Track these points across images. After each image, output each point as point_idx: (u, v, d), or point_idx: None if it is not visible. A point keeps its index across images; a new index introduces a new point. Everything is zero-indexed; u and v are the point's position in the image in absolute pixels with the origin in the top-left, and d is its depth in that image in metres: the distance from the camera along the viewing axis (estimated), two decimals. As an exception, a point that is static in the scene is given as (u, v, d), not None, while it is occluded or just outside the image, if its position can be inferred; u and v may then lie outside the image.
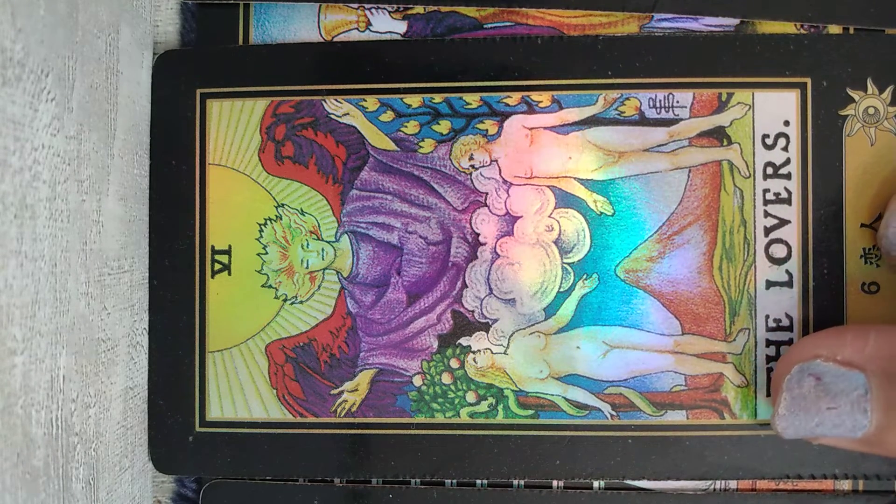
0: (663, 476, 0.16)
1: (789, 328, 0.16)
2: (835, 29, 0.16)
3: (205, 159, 0.17)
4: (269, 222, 0.17)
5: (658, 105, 0.16)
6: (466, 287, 0.16)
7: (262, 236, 0.17)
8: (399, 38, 0.17)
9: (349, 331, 0.16)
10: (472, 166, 0.16)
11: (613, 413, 0.16)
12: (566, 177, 0.16)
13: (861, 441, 0.13)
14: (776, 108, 0.16)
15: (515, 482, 0.17)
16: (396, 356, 0.16)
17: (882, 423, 0.13)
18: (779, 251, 0.16)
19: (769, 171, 0.16)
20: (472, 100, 0.16)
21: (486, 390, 0.16)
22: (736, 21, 0.16)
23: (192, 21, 0.17)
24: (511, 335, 0.16)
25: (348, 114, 0.16)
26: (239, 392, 0.17)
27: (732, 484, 0.16)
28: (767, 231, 0.16)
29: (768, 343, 0.16)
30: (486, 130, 0.16)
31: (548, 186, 0.16)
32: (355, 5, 0.17)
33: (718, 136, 0.16)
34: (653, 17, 0.16)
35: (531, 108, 0.16)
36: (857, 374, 0.13)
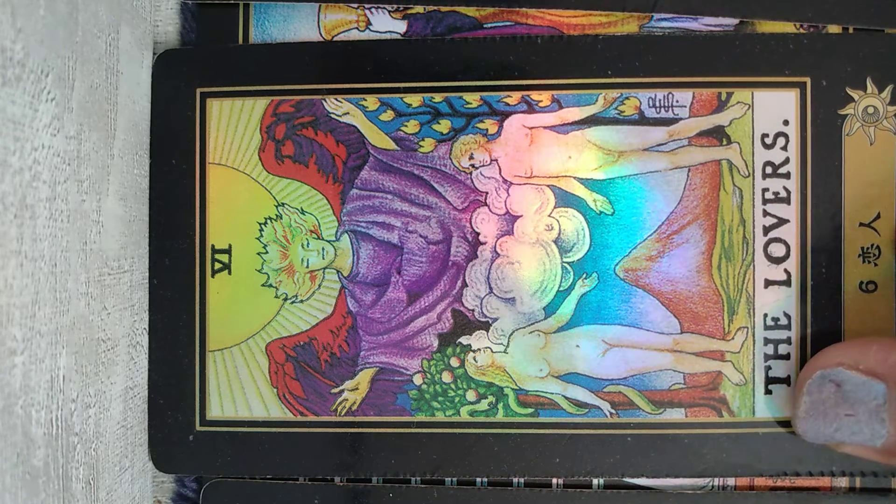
0: (662, 474, 0.16)
1: (787, 327, 0.16)
2: (834, 28, 0.16)
3: (205, 159, 0.17)
4: (269, 221, 0.17)
5: (658, 104, 0.16)
6: (466, 286, 0.16)
7: (262, 235, 0.17)
8: (399, 37, 0.17)
9: (349, 330, 0.16)
10: (473, 165, 0.16)
11: (613, 411, 0.16)
12: (566, 176, 0.16)
13: (882, 452, 0.13)
14: (776, 108, 0.16)
15: (515, 480, 0.17)
16: (397, 355, 0.16)
17: None
18: (777, 250, 0.16)
19: (768, 170, 0.16)
20: (472, 99, 0.16)
21: (486, 389, 0.16)
22: (735, 21, 0.16)
23: (192, 21, 0.17)
24: (511, 334, 0.16)
25: (348, 113, 0.16)
26: (239, 391, 0.17)
27: (731, 481, 0.16)
28: (766, 230, 0.16)
29: (766, 341, 0.16)
30: (486, 130, 0.16)
31: (548, 186, 0.16)
32: (355, 5, 0.17)
33: (718, 135, 0.16)
34: (652, 16, 0.16)
35: (531, 108, 0.16)
36: (878, 384, 0.13)
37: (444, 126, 0.16)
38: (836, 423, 0.14)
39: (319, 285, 0.17)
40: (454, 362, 0.16)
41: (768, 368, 0.16)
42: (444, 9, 0.16)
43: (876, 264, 0.16)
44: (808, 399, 0.14)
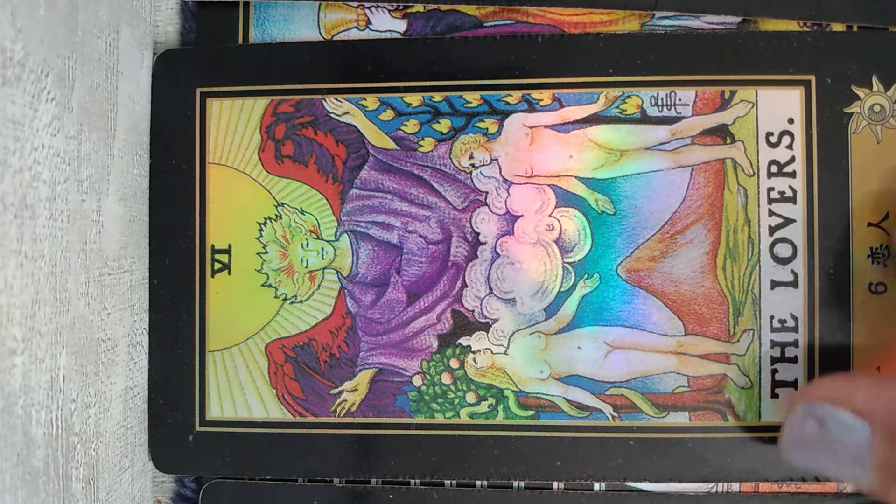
0: (665, 478, 0.16)
1: (794, 329, 0.16)
2: (838, 26, 0.16)
3: (205, 158, 0.17)
4: (268, 221, 0.17)
5: (660, 103, 0.16)
6: (466, 287, 0.16)
7: (261, 235, 0.17)
8: (399, 36, 0.17)
9: (349, 330, 0.16)
10: (473, 165, 0.16)
11: (615, 414, 0.16)
12: (567, 175, 0.16)
13: (868, 490, 0.13)
14: (780, 106, 0.16)
15: (515, 483, 0.16)
16: (396, 356, 0.16)
17: (883, 483, 0.12)
18: (784, 251, 0.16)
19: (773, 169, 0.16)
20: (473, 98, 0.16)
21: (486, 391, 0.16)
22: (738, 19, 0.16)
23: (192, 21, 0.17)
24: (511, 335, 0.16)
25: (348, 112, 0.16)
26: (239, 391, 0.17)
27: (735, 486, 0.16)
28: (772, 230, 0.16)
29: (773, 344, 0.16)
30: (487, 129, 0.16)
31: (548, 185, 0.16)
32: (355, 4, 0.17)
33: (722, 134, 0.16)
34: (654, 14, 0.16)
35: (532, 107, 0.16)
36: (863, 426, 0.12)
37: (444, 125, 0.16)
38: (818, 460, 0.13)
39: (319, 285, 0.17)
40: (454, 363, 0.16)
41: (775, 372, 0.16)
42: (444, 7, 0.16)
43: (885, 265, 0.16)
44: (790, 433, 0.14)
